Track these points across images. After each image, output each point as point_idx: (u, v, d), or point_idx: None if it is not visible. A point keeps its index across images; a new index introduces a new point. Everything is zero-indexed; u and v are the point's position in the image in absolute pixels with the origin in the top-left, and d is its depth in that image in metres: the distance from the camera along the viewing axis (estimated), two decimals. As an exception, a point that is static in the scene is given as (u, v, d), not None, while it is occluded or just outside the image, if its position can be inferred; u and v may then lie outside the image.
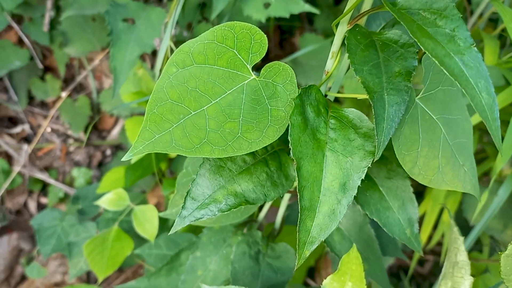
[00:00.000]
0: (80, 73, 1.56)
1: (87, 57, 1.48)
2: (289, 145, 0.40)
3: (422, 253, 0.54)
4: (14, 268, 1.50)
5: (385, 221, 0.53)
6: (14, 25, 1.33)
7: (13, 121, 1.56)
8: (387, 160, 0.55)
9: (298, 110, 0.41)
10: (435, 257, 1.51)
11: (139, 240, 1.00)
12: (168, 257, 0.93)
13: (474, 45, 0.37)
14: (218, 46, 0.43)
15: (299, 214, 0.40)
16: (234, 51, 0.43)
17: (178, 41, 1.13)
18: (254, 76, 0.43)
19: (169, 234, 0.50)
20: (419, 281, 1.63)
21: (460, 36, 0.37)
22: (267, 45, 0.43)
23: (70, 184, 1.53)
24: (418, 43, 0.35)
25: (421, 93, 0.47)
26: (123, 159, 0.41)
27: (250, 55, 0.43)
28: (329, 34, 1.42)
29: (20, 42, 1.44)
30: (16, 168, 1.42)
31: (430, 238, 1.28)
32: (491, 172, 1.20)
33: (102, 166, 1.56)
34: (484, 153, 1.27)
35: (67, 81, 1.57)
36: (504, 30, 1.10)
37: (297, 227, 0.40)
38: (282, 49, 1.73)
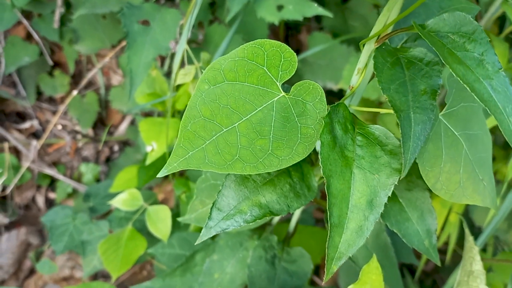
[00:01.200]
0: (88, 68, 1.56)
1: (96, 53, 1.48)
2: (319, 163, 0.41)
3: (439, 264, 0.55)
4: (23, 262, 1.52)
5: (404, 232, 0.54)
6: (24, 21, 1.33)
7: (22, 116, 1.57)
8: (419, 154, 0.56)
9: (328, 129, 0.42)
10: (439, 255, 1.53)
11: (152, 239, 1.01)
12: (181, 257, 0.95)
13: (502, 69, 0.38)
14: (249, 63, 0.44)
15: (329, 231, 0.41)
16: (264, 68, 0.44)
17: (191, 42, 1.13)
18: (283, 93, 0.44)
19: (195, 244, 0.51)
20: (422, 278, 1.64)
21: (488, 61, 0.38)
22: (297, 63, 0.44)
23: (78, 179, 1.54)
24: (450, 69, 0.36)
25: (444, 110, 0.48)
26: (158, 176, 0.42)
27: (280, 73, 0.44)
28: (336, 33, 1.42)
29: (29, 37, 1.45)
30: (25, 164, 1.43)
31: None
32: (498, 174, 1.22)
33: (109, 161, 1.57)
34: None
35: (74, 77, 1.57)
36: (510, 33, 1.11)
37: (327, 243, 0.41)
38: (288, 46, 1.74)
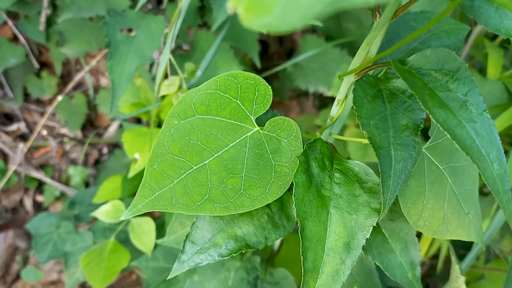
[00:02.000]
0: (77, 69, 1.53)
1: (84, 54, 1.45)
2: (293, 205, 0.39)
3: (423, 296, 0.54)
4: (10, 265, 1.50)
5: (387, 264, 0.52)
6: (10, 23, 1.30)
7: (9, 118, 1.54)
8: (400, 192, 0.54)
9: (303, 168, 0.40)
10: (431, 260, 1.52)
11: (136, 249, 0.99)
12: (166, 270, 0.93)
13: (487, 111, 0.36)
14: (221, 96, 0.41)
15: (302, 276, 0.39)
16: (238, 101, 0.41)
17: (178, 48, 1.11)
18: (257, 128, 0.42)
19: (167, 279, 0.49)
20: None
21: (472, 102, 0.36)
22: (271, 97, 0.41)
23: (66, 182, 1.52)
24: (430, 115, 0.33)
25: (428, 143, 0.46)
26: (121, 218, 0.39)
27: (254, 107, 0.41)
28: (330, 35, 1.39)
29: (16, 38, 1.42)
30: (12, 167, 1.41)
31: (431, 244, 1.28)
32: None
33: (98, 164, 1.55)
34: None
35: (63, 77, 1.54)
36: (505, 40, 1.08)
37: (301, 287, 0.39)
38: (281, 45, 1.71)
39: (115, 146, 1.56)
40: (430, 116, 0.33)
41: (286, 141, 0.41)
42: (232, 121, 0.41)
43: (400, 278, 0.52)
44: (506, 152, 1.03)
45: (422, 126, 0.42)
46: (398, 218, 0.53)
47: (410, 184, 0.44)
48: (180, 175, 0.40)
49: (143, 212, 0.39)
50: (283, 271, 0.70)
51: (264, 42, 1.60)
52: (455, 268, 0.57)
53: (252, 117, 0.41)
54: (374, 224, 0.41)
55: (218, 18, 0.89)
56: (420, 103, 0.36)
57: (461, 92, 0.37)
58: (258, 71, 1.32)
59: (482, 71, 1.14)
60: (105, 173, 1.48)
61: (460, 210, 0.47)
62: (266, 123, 0.41)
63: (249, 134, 0.41)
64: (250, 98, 0.41)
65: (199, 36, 1.03)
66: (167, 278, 0.49)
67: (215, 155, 0.41)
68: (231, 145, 0.41)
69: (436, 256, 1.52)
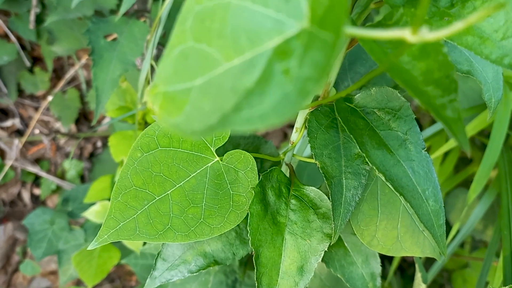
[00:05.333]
0: (69, 63, 1.55)
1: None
2: (248, 234, 0.41)
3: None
4: (11, 256, 1.55)
5: (349, 276, 0.55)
6: (0, 21, 1.32)
7: (5, 113, 1.57)
8: (352, 216, 0.57)
9: (258, 198, 0.42)
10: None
11: (127, 247, 1.03)
12: (153, 267, 0.96)
13: (425, 148, 0.38)
14: (182, 129, 0.44)
15: (257, 299, 0.42)
16: (198, 133, 0.44)
17: (160, 53, 1.12)
18: (217, 158, 0.44)
19: (140, 294, 0.52)
20: (405, 267, 1.67)
21: (411, 140, 0.38)
22: (229, 130, 0.44)
23: (62, 176, 1.55)
24: (366, 157, 0.36)
25: (382, 167, 0.48)
26: (88, 248, 0.42)
27: (214, 139, 0.44)
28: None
29: (7, 36, 1.43)
30: (8, 162, 1.44)
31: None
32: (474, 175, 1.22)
33: (93, 157, 1.58)
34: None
35: (56, 71, 1.56)
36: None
37: (256, 309, 0.42)
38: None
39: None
40: (367, 158, 0.36)
41: (243, 172, 0.44)
42: (193, 152, 0.44)
43: (361, 288, 0.55)
44: (482, 148, 1.05)
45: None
46: (360, 232, 0.56)
47: (363, 208, 0.46)
48: (143, 206, 0.43)
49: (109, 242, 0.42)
50: (260, 273, 0.73)
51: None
52: (418, 276, 0.60)
53: (212, 148, 0.44)
54: (326, 249, 0.44)
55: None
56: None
57: (402, 131, 0.39)
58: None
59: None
60: (99, 166, 1.52)
61: (414, 228, 0.50)
62: (225, 155, 0.44)
63: (209, 164, 0.44)
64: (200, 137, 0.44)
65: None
66: (139, 293, 0.52)
67: (177, 186, 0.43)
68: (192, 175, 0.44)
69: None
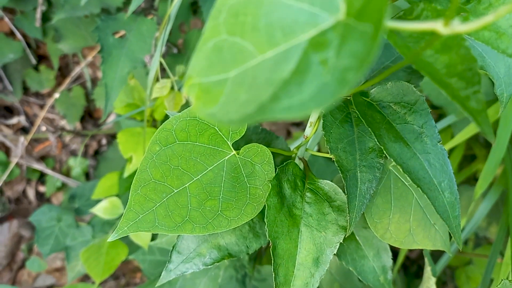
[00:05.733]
0: (74, 61, 1.56)
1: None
2: (264, 226, 0.42)
3: (394, 297, 0.57)
4: (16, 254, 1.56)
5: (360, 269, 0.56)
6: (6, 18, 1.33)
7: (9, 111, 1.58)
8: (366, 209, 0.57)
9: (275, 191, 0.43)
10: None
11: (134, 243, 1.03)
12: (162, 263, 0.97)
13: (441, 141, 0.39)
14: (200, 123, 0.44)
15: (274, 289, 0.43)
16: (215, 128, 0.45)
17: (169, 49, 1.13)
18: (234, 152, 0.45)
19: (156, 286, 0.53)
20: (407, 264, 1.68)
21: (427, 133, 0.39)
22: (246, 124, 0.44)
23: (67, 173, 1.56)
24: (384, 150, 0.37)
25: (395, 161, 0.49)
26: (109, 240, 0.43)
27: (231, 133, 0.45)
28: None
29: (13, 33, 1.44)
30: (14, 160, 1.45)
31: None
32: (479, 172, 1.23)
33: (98, 155, 1.59)
34: (472, 150, 1.30)
35: (61, 69, 1.57)
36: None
37: (272, 300, 0.43)
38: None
39: (114, 137, 1.59)
40: (385, 151, 0.37)
41: (259, 165, 0.44)
42: (210, 146, 0.45)
43: (372, 282, 0.56)
44: (486, 145, 1.06)
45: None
46: (371, 226, 0.57)
47: (376, 201, 0.47)
48: (162, 199, 0.43)
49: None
50: (270, 268, 0.74)
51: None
52: (427, 269, 0.61)
53: (229, 142, 0.45)
54: (341, 241, 0.45)
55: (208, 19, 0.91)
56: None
57: (418, 124, 0.40)
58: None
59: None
60: (104, 163, 1.52)
61: (426, 222, 0.51)
62: (242, 149, 0.45)
63: (226, 158, 0.45)
64: (234, 125, 0.44)
65: (191, 35, 1.05)
66: (155, 286, 0.53)
67: (195, 179, 0.44)
68: (209, 168, 0.44)
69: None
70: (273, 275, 0.43)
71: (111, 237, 0.43)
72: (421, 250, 1.65)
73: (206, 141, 0.45)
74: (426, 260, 0.62)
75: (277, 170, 0.44)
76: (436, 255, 1.33)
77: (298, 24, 0.21)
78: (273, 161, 0.44)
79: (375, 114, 0.40)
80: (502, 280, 0.48)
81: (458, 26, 0.19)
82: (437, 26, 0.20)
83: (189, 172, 0.44)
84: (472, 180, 1.34)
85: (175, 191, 0.44)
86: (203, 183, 0.44)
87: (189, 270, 0.52)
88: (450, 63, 0.26)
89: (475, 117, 0.24)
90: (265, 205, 0.43)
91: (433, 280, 0.60)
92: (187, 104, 0.99)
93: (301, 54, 0.20)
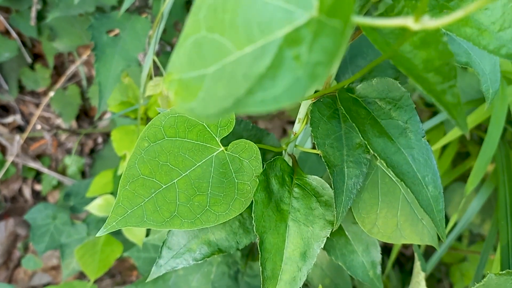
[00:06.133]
0: (69, 60, 1.56)
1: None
2: (253, 221, 0.43)
3: (383, 292, 0.58)
4: (12, 252, 1.56)
5: (350, 264, 0.56)
6: (2, 18, 1.33)
7: (6, 109, 1.58)
8: (354, 204, 0.58)
9: (262, 186, 0.44)
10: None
11: (129, 241, 1.04)
12: (155, 260, 0.98)
13: (425, 137, 0.40)
14: (189, 120, 0.45)
15: (262, 283, 0.43)
16: (204, 124, 0.45)
17: (163, 47, 1.13)
18: (222, 148, 0.45)
19: (146, 281, 0.54)
20: (403, 261, 1.69)
21: (412, 129, 0.40)
22: (234, 120, 0.45)
23: (63, 172, 1.56)
24: (368, 145, 0.37)
25: (382, 157, 0.49)
26: (97, 235, 0.44)
27: (219, 129, 0.45)
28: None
29: (8, 32, 1.44)
30: (10, 158, 1.45)
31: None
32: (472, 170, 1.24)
33: (94, 153, 1.59)
34: (466, 147, 1.31)
35: (56, 68, 1.57)
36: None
37: (260, 294, 0.44)
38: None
39: (109, 135, 1.60)
40: (368, 145, 0.37)
41: (247, 161, 0.45)
42: (199, 142, 0.45)
43: (362, 276, 0.57)
44: (479, 142, 1.07)
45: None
46: (361, 222, 0.57)
47: (364, 196, 0.48)
48: (151, 194, 0.44)
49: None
50: (262, 264, 0.75)
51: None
52: (417, 264, 0.61)
53: (217, 138, 0.45)
54: (328, 235, 0.45)
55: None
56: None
57: (402, 120, 0.40)
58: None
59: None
60: (100, 162, 1.53)
61: (413, 217, 0.51)
62: (230, 145, 0.45)
63: (215, 154, 0.45)
64: (215, 121, 0.45)
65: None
66: (146, 281, 0.54)
67: (183, 174, 0.45)
68: (198, 164, 0.45)
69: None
70: (260, 269, 0.43)
71: (100, 232, 0.43)
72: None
73: (194, 137, 0.45)
74: (415, 255, 0.63)
75: (264, 166, 0.45)
76: (431, 251, 1.33)
77: (274, 21, 0.21)
78: (260, 157, 0.45)
79: (360, 109, 0.40)
80: (488, 273, 0.49)
81: (428, 22, 0.20)
82: (408, 22, 0.20)
83: (177, 168, 0.45)
84: (466, 177, 1.34)
85: (164, 186, 0.44)
86: (191, 178, 0.45)
87: (179, 265, 0.52)
88: (428, 59, 0.27)
89: (451, 111, 0.25)
90: (252, 200, 0.43)
91: (422, 275, 0.60)
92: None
93: (276, 50, 0.21)
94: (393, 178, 0.50)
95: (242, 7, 0.22)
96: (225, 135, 0.45)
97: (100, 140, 1.59)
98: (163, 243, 0.53)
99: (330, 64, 0.18)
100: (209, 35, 0.23)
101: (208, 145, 0.45)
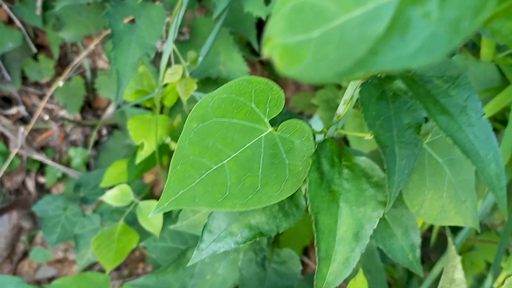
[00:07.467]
0: (72, 50, 1.54)
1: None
2: (307, 201, 0.42)
3: (422, 275, 0.58)
4: (16, 245, 1.54)
5: (389, 248, 0.56)
6: (5, 6, 1.30)
7: (8, 101, 1.55)
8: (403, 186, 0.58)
9: (315, 167, 0.43)
10: (424, 233, 1.58)
11: (144, 230, 1.03)
12: (173, 250, 0.97)
13: (485, 115, 0.39)
14: (236, 100, 0.44)
15: (317, 263, 0.43)
16: (252, 105, 0.44)
17: (178, 36, 1.12)
18: (271, 129, 0.45)
19: (187, 265, 0.53)
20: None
21: (471, 107, 0.39)
22: (284, 100, 0.44)
23: (67, 164, 1.54)
24: (433, 121, 0.37)
25: (428, 138, 0.49)
26: (149, 216, 0.43)
27: (268, 109, 0.44)
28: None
29: (11, 22, 1.42)
30: (14, 150, 1.43)
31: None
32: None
33: (98, 145, 1.57)
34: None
35: (60, 59, 1.55)
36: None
37: (315, 275, 0.43)
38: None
39: (114, 127, 1.58)
40: (434, 122, 0.37)
41: (299, 142, 0.44)
42: (248, 123, 0.44)
43: (401, 259, 0.56)
44: (498, 131, 1.07)
45: (423, 124, 0.45)
46: (400, 205, 0.57)
47: (412, 177, 0.47)
48: (201, 175, 0.43)
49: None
50: (289, 251, 0.74)
51: (261, 23, 1.60)
52: (452, 248, 0.61)
53: (266, 119, 0.44)
54: (380, 216, 0.45)
55: (218, 6, 0.90)
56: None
57: (461, 98, 0.40)
58: (255, 53, 1.34)
59: (475, 51, 1.17)
60: (105, 154, 1.51)
61: (457, 199, 0.51)
62: (280, 125, 0.45)
63: (263, 135, 0.45)
64: (264, 101, 0.44)
65: (199, 22, 1.04)
66: (187, 265, 0.53)
67: (232, 155, 0.44)
68: (247, 145, 0.44)
69: (430, 229, 1.58)
70: (316, 250, 0.43)
71: (152, 213, 0.43)
72: (422, 238, 1.67)
73: (243, 118, 0.44)
74: (449, 239, 0.63)
75: (316, 146, 0.44)
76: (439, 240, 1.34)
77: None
78: (312, 137, 0.44)
79: (419, 87, 0.40)
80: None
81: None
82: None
83: (227, 148, 0.44)
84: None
85: (214, 167, 0.44)
86: (241, 160, 0.44)
87: (221, 249, 0.52)
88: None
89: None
90: (307, 179, 0.43)
91: (458, 259, 0.60)
92: (198, 90, 0.99)
93: (394, 11, 0.20)
94: (439, 160, 0.50)
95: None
96: (274, 115, 0.44)
97: (104, 132, 1.57)
98: (204, 227, 0.52)
99: (476, 18, 0.17)
100: (311, -1, 0.22)
101: (257, 125, 0.44)
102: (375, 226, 0.44)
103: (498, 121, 1.20)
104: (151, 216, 0.43)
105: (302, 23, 0.23)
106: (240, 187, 0.44)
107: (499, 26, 0.27)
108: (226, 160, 0.44)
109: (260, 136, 0.45)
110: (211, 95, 0.44)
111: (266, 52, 0.24)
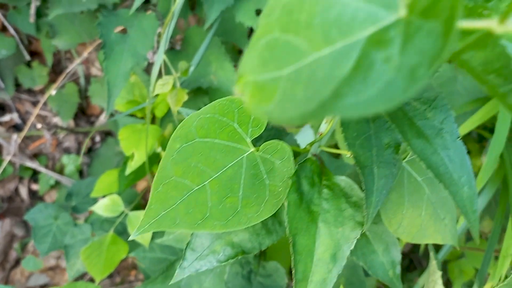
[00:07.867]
0: (66, 57, 1.54)
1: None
2: (285, 222, 0.43)
3: (404, 292, 0.58)
4: (8, 253, 1.54)
5: (370, 264, 0.56)
6: (-1, 14, 1.31)
7: (1, 108, 1.56)
8: (382, 204, 0.58)
9: (294, 187, 0.44)
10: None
11: (134, 240, 1.03)
12: (162, 260, 0.97)
13: (460, 137, 0.40)
14: (219, 120, 0.45)
15: (294, 285, 0.43)
16: (235, 125, 0.45)
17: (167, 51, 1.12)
18: (253, 149, 0.45)
19: (169, 284, 0.53)
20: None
21: (447, 129, 0.40)
22: (266, 121, 0.45)
23: (60, 171, 1.54)
24: (408, 145, 0.37)
25: (408, 157, 0.50)
26: (130, 239, 0.43)
27: (250, 129, 0.45)
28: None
29: (5, 29, 1.42)
30: (7, 157, 1.43)
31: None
32: (472, 167, 1.24)
33: (91, 152, 1.58)
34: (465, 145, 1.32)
35: (53, 66, 1.55)
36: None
37: (292, 295, 0.44)
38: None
39: (107, 134, 1.58)
40: (409, 146, 0.37)
41: (279, 162, 0.45)
42: (230, 143, 0.45)
43: (381, 276, 0.57)
44: (486, 140, 1.08)
45: (402, 143, 0.46)
46: (380, 222, 0.57)
47: (391, 196, 0.48)
48: (183, 196, 0.44)
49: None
50: (275, 264, 0.75)
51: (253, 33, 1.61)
52: (433, 263, 0.62)
53: (248, 139, 0.45)
54: (358, 236, 0.45)
55: (209, 16, 0.91)
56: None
57: (438, 120, 0.40)
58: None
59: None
60: (98, 161, 1.51)
61: (436, 217, 0.52)
62: (261, 145, 0.45)
63: (245, 155, 0.45)
64: (246, 122, 0.45)
65: (191, 32, 1.05)
66: (169, 284, 0.53)
67: (214, 176, 0.44)
68: (229, 165, 0.45)
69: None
70: (293, 272, 0.43)
71: (132, 236, 0.43)
72: (412, 245, 1.68)
73: (225, 138, 0.45)
74: (431, 254, 0.64)
75: (296, 167, 0.45)
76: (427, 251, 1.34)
77: (356, 22, 0.21)
78: (292, 158, 0.45)
79: (397, 110, 0.40)
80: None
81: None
82: (492, 24, 0.20)
83: (209, 168, 0.44)
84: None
85: (195, 188, 0.44)
86: (222, 180, 0.44)
87: (203, 267, 0.52)
88: (486, 61, 0.27)
89: (516, 114, 0.25)
90: (285, 201, 0.43)
91: (438, 274, 0.61)
92: (189, 101, 0.99)
93: (359, 52, 0.20)
94: (417, 178, 0.50)
95: (319, 8, 0.22)
96: (257, 135, 0.45)
97: (97, 138, 1.58)
98: (187, 245, 0.52)
99: (431, 65, 0.18)
100: (283, 36, 0.23)
101: (239, 145, 0.45)
102: (352, 247, 0.45)
103: (488, 130, 1.21)
104: (131, 238, 0.43)
105: (275, 60, 0.24)
106: (220, 207, 0.44)
107: (468, 58, 0.28)
108: (208, 181, 0.44)
109: (241, 156, 0.45)
110: (195, 114, 0.45)
111: (238, 89, 0.24)
